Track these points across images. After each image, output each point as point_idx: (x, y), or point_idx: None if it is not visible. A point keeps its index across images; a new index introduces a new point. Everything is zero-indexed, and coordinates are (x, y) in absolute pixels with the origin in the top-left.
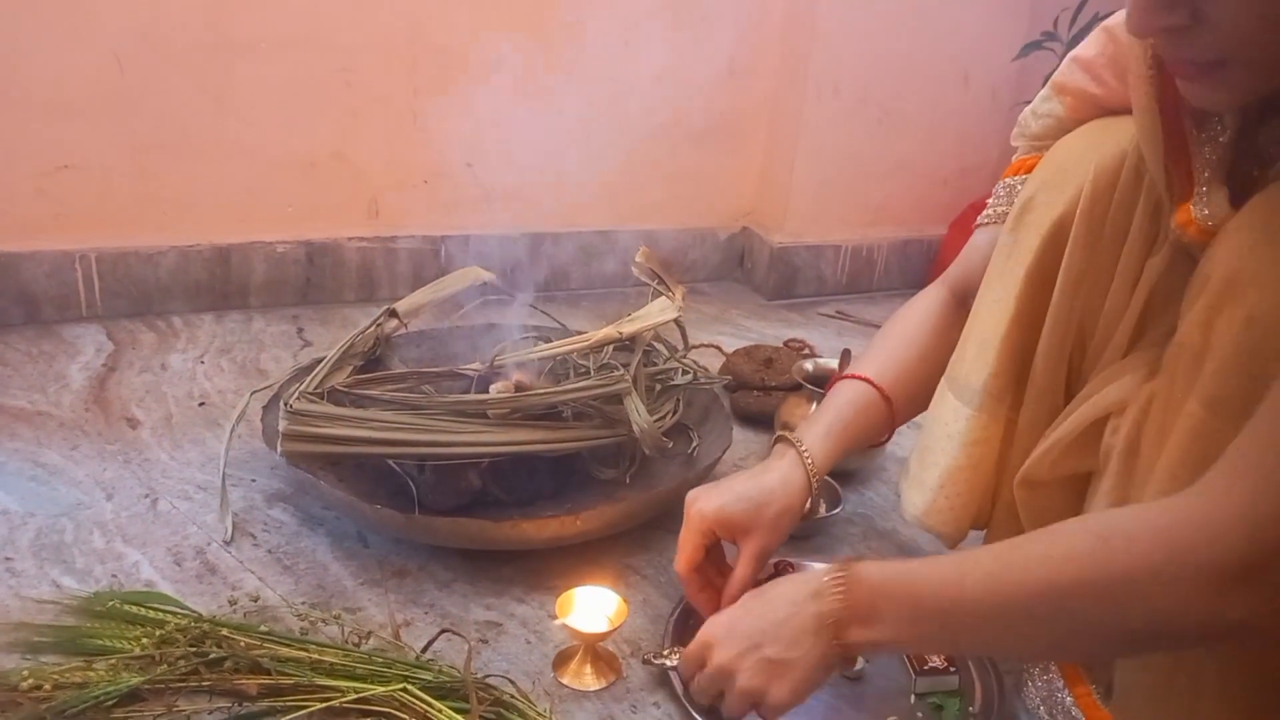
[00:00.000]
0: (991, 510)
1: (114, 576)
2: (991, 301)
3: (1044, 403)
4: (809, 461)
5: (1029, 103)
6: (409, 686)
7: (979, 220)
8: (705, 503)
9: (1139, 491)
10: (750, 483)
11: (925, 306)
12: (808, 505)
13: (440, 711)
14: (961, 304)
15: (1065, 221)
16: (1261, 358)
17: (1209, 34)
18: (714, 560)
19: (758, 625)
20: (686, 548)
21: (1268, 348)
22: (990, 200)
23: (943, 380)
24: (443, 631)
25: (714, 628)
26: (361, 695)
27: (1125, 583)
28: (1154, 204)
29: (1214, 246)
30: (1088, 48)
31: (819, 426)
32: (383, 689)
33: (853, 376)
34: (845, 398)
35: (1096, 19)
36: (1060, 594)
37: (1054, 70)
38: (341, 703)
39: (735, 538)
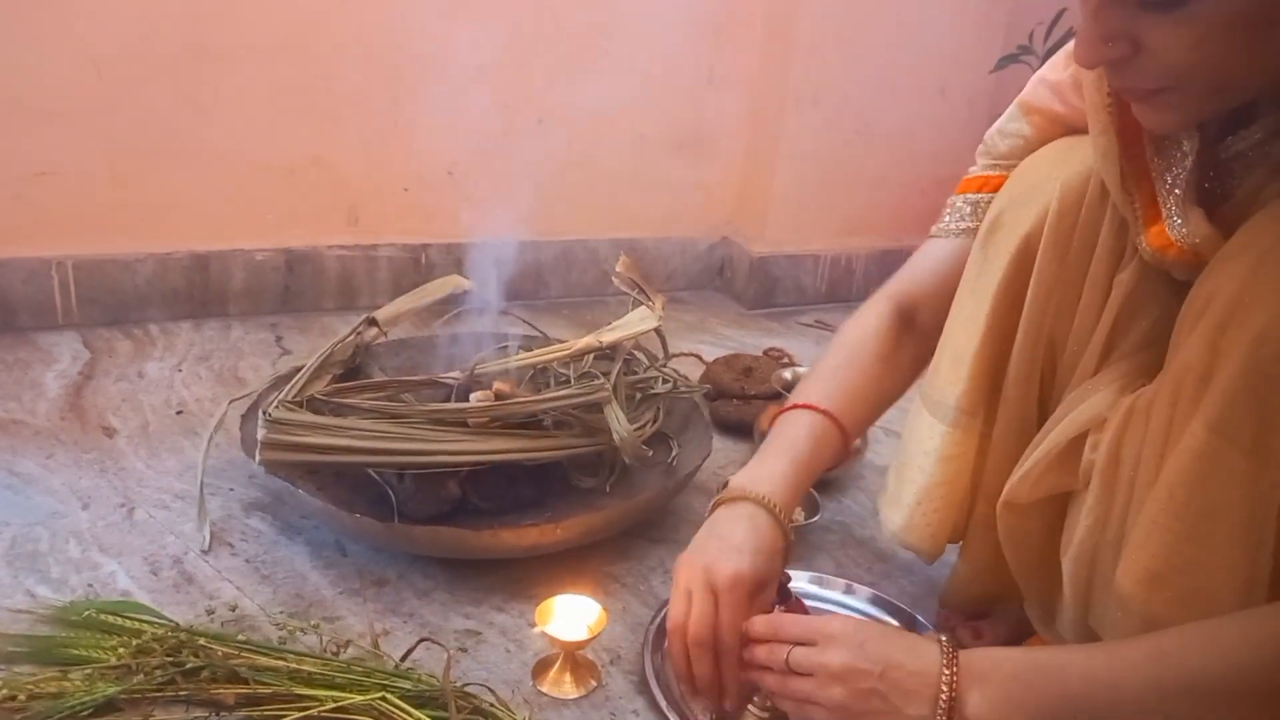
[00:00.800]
0: (967, 524)
1: (90, 586)
2: (964, 319)
3: (1016, 419)
4: (778, 512)
5: None
6: (387, 695)
7: (932, 232)
8: (725, 568)
9: (1123, 508)
10: (746, 537)
11: (870, 328)
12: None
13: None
14: (907, 321)
15: (1033, 238)
16: (1271, 381)
17: (1150, 63)
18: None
19: (888, 657)
20: (739, 616)
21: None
22: (944, 213)
23: (917, 397)
24: (421, 640)
25: (840, 625)
26: (340, 704)
27: None
28: (1119, 220)
29: (1213, 269)
30: (1054, 70)
31: (779, 467)
32: (361, 698)
33: (804, 406)
34: (800, 431)
35: (1071, 33)
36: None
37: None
38: (320, 712)
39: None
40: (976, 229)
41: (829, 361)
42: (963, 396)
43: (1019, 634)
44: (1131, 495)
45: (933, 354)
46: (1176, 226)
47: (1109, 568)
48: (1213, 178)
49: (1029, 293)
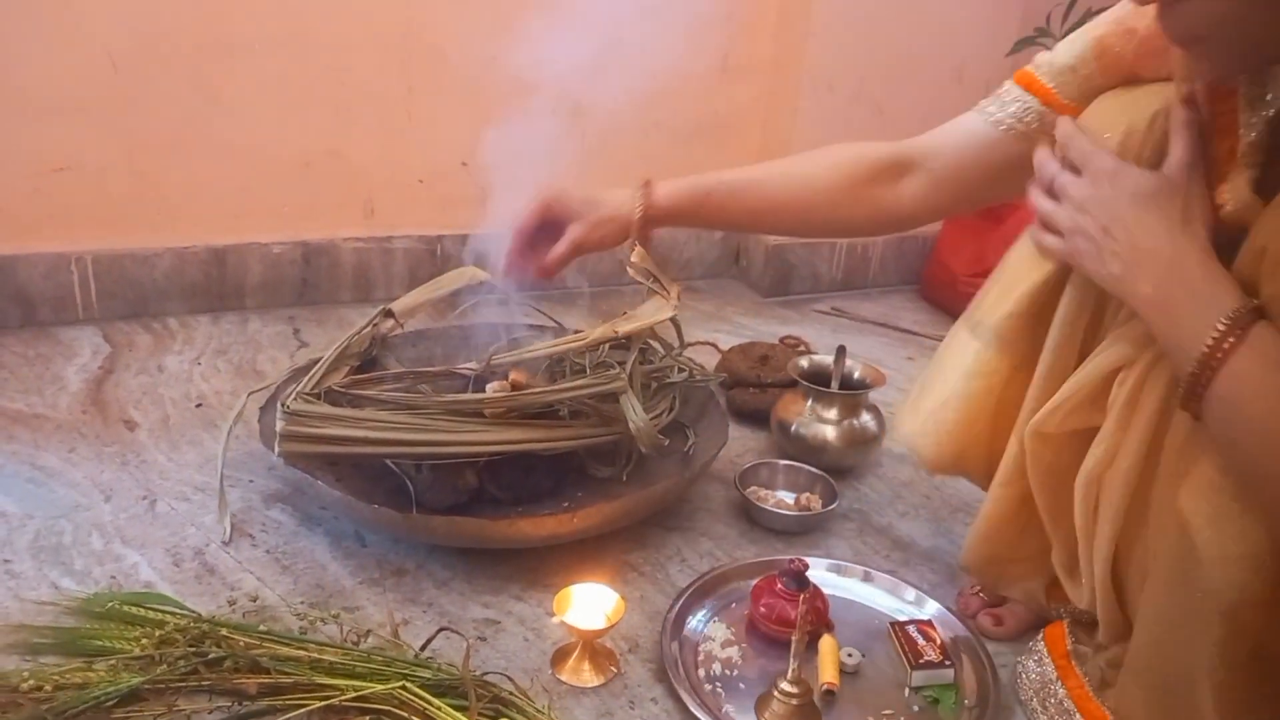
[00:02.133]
0: (985, 455)
1: (113, 578)
2: (1025, 251)
3: (1059, 360)
4: (647, 195)
5: None
6: (408, 684)
7: (976, 106)
8: (550, 185)
9: (1138, 444)
10: (600, 190)
11: (854, 149)
12: (633, 236)
13: (439, 709)
14: (901, 167)
15: None
16: None
17: (1191, 10)
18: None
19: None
20: (525, 217)
21: None
22: (995, 94)
23: (959, 321)
24: (441, 630)
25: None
26: (360, 694)
27: None
28: None
29: (1264, 223)
30: (1141, 18)
31: (679, 181)
32: (382, 687)
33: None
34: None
35: (1089, 14)
36: None
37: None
38: (341, 701)
39: (563, 217)
40: (1012, 129)
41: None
42: (1004, 321)
43: (1038, 620)
44: (1152, 433)
45: (910, 216)
46: (1229, 189)
47: (1117, 498)
48: None
49: None
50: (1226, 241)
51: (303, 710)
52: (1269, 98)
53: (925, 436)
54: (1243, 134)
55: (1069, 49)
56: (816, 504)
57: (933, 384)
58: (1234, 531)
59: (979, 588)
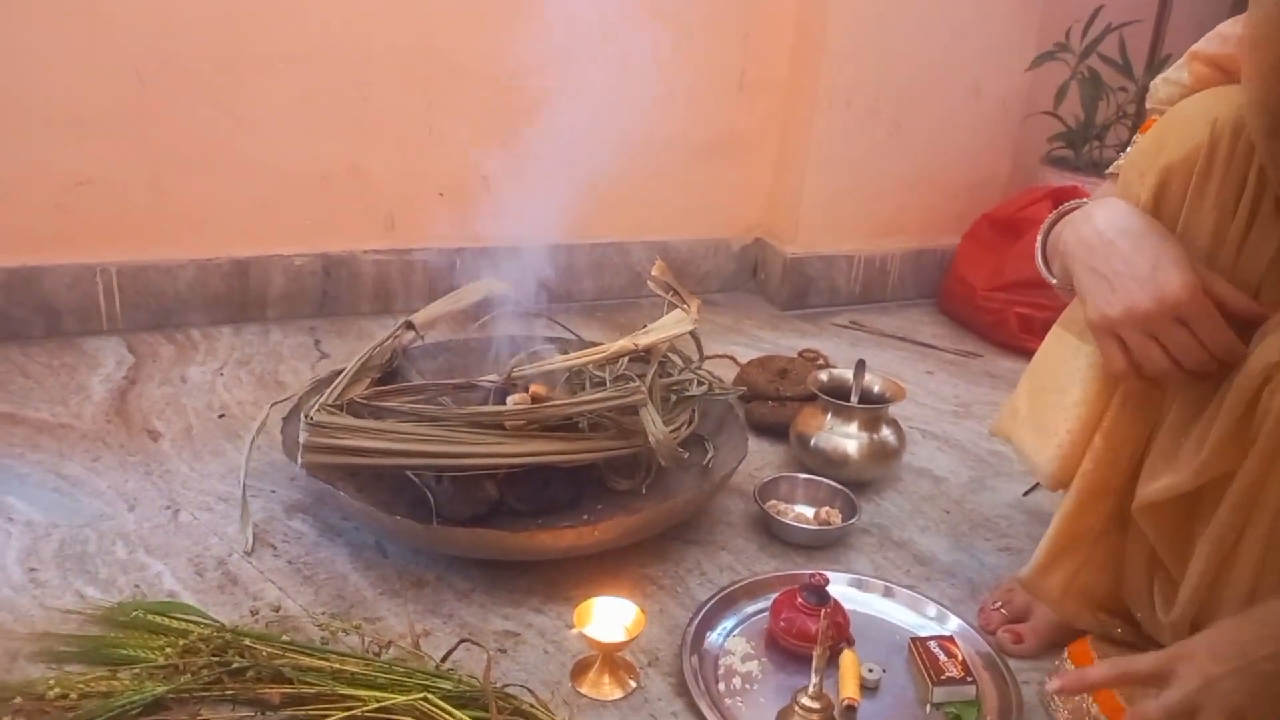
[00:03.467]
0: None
1: (137, 587)
2: None
3: None
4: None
5: (1042, 113)
6: (429, 696)
7: (1108, 170)
8: (1185, 277)
9: None
10: (1168, 247)
11: None
12: None
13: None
14: None
15: (1175, 169)
16: None
17: None
18: None
19: (1252, 637)
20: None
21: None
22: (1123, 153)
23: (1056, 326)
24: (462, 641)
25: (1188, 645)
26: (382, 705)
27: None
28: (1260, 163)
29: None
30: (1232, 24)
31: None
32: (403, 698)
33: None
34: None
35: (1109, 29)
36: None
37: (1068, 80)
38: (363, 712)
39: None
40: None
41: None
42: None
43: (1059, 637)
44: None
45: None
46: None
47: (1249, 568)
48: None
49: (1179, 223)
50: None
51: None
52: None
53: (1046, 454)
54: None
55: (1169, 71)
56: (836, 518)
57: (1055, 397)
58: None
59: (1000, 604)
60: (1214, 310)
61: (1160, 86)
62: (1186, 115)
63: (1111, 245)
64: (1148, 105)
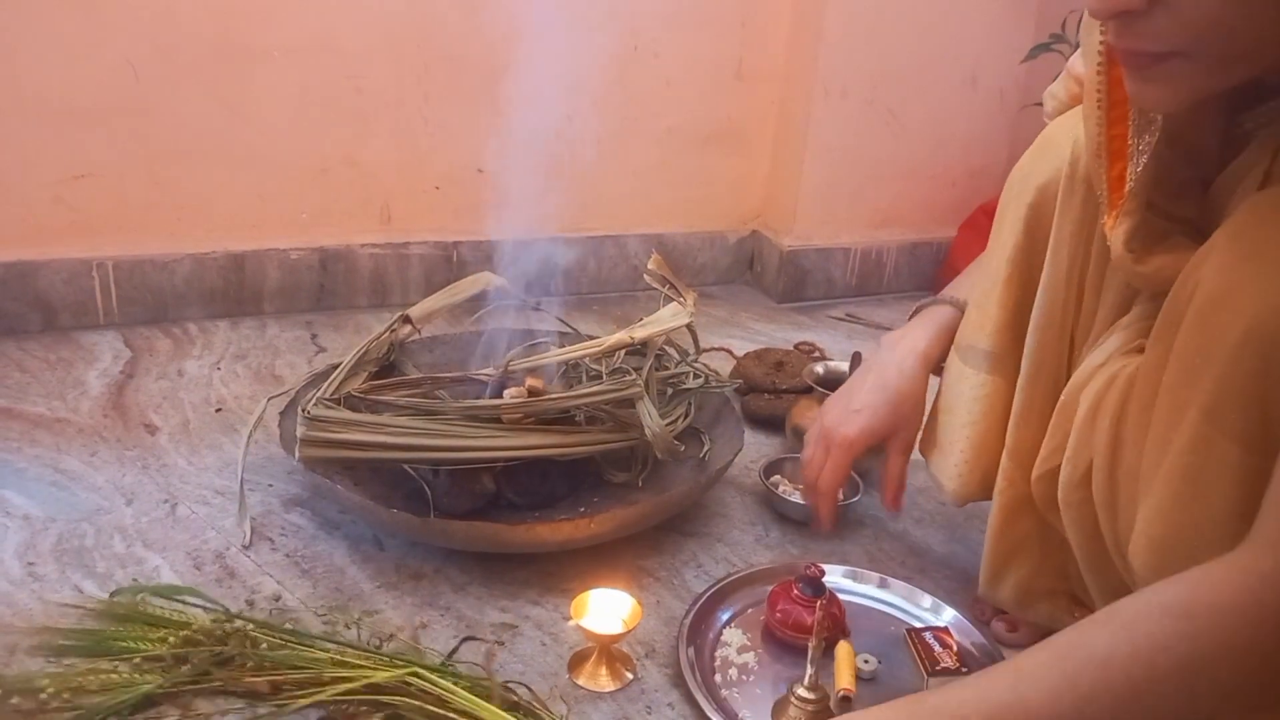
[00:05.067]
0: (994, 478)
1: (135, 580)
2: (988, 267)
3: (1042, 373)
4: (924, 344)
5: (1038, 104)
6: (418, 670)
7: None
8: (848, 429)
9: (1105, 469)
10: (876, 393)
11: None
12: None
13: (453, 692)
14: None
15: (1048, 189)
16: (1258, 374)
17: (1165, 21)
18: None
19: None
20: (838, 474)
21: (1268, 368)
22: None
23: (952, 352)
24: (465, 639)
25: None
26: (372, 681)
27: (1218, 659)
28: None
29: (1200, 259)
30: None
31: (923, 325)
32: (390, 673)
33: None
34: (941, 315)
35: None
36: (1148, 687)
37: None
38: (354, 687)
39: (881, 443)
40: None
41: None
42: (987, 340)
43: (1054, 626)
44: (1117, 462)
45: None
46: (1111, 228)
47: (1106, 524)
48: (1198, 164)
49: (1049, 241)
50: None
51: (316, 698)
52: (1155, 118)
53: (946, 472)
54: (1131, 162)
55: (1053, 85)
56: (840, 496)
57: (946, 418)
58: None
59: None
60: (845, 463)
61: (1047, 101)
62: (1052, 136)
63: (866, 369)
64: (1044, 118)
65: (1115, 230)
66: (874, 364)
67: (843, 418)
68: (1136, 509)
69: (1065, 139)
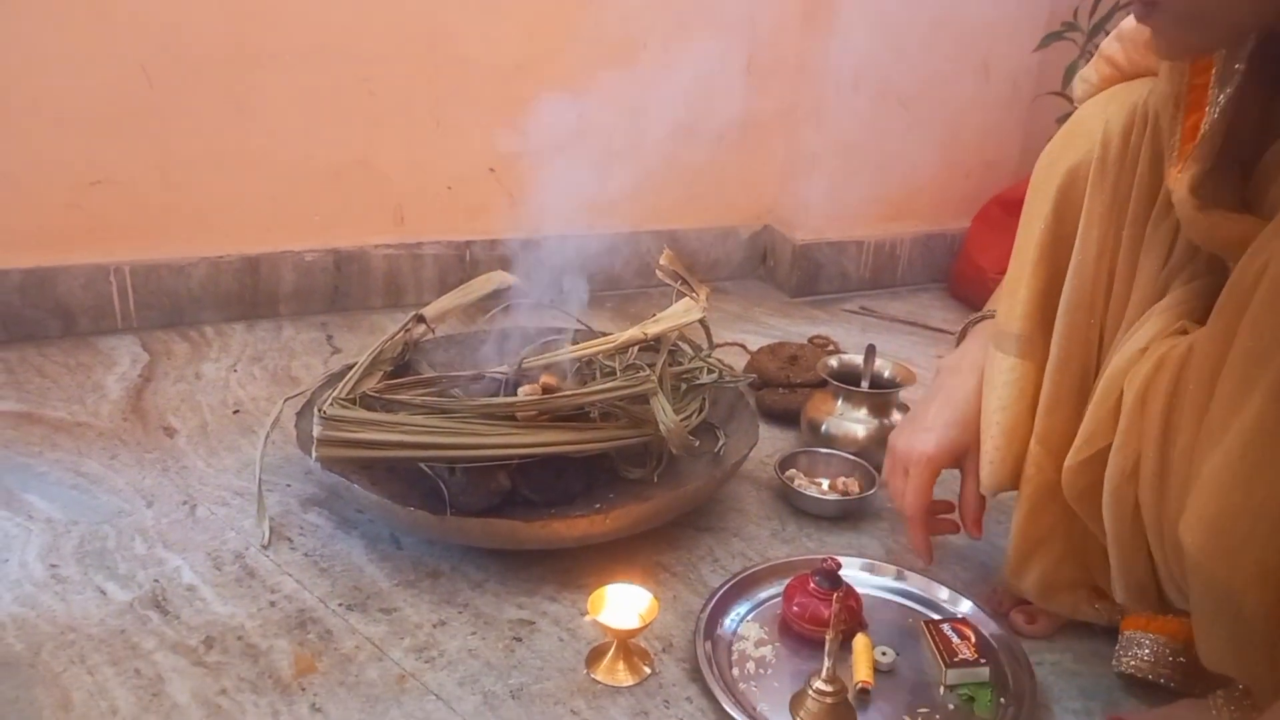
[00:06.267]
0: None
1: (156, 581)
2: (1018, 251)
3: (1072, 358)
4: (984, 360)
5: (1050, 94)
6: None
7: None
8: (924, 446)
9: (1156, 453)
10: (944, 412)
11: None
12: None
13: None
14: None
15: (1078, 171)
16: None
17: None
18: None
19: None
20: (921, 495)
21: None
22: None
23: (989, 342)
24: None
25: None
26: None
27: None
28: (1154, 151)
29: (1262, 244)
30: (1130, 23)
31: (977, 341)
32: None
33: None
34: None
35: (1117, 7)
36: None
37: (1077, 59)
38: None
39: (958, 463)
40: None
41: None
42: (1017, 324)
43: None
44: (1169, 444)
45: None
46: (1177, 177)
47: (1151, 509)
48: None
49: (1079, 224)
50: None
51: None
52: (1237, 67)
53: (983, 459)
54: (1209, 110)
55: (1084, 68)
56: (855, 488)
57: (983, 406)
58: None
59: None
60: (927, 480)
61: (1077, 85)
62: (1083, 118)
63: (930, 395)
64: (1074, 103)
65: (1181, 176)
66: (937, 388)
67: (914, 438)
68: (1188, 491)
69: (1096, 121)
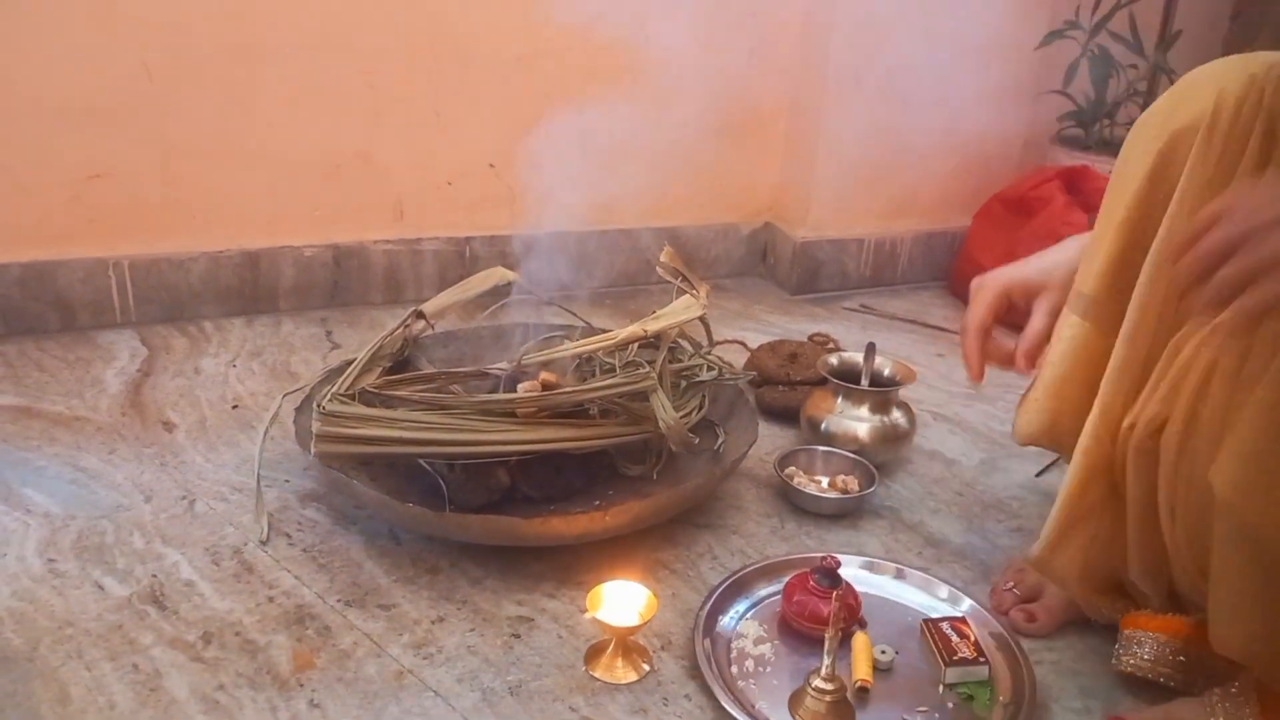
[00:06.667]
0: (1076, 426)
1: (154, 576)
2: (1106, 212)
3: (1145, 326)
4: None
5: (1052, 92)
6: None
7: None
8: (998, 274)
9: (1188, 404)
10: (1037, 259)
11: None
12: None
13: None
14: None
15: (1182, 136)
16: None
17: None
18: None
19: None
20: (984, 309)
21: None
22: None
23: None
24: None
25: (1223, 201)
26: None
27: None
28: (1268, 126)
29: None
30: None
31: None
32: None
33: None
34: None
35: (1119, 6)
36: None
37: (1078, 58)
38: None
39: (1029, 298)
40: None
41: None
42: (1090, 284)
43: (1072, 616)
44: (1199, 400)
45: None
46: None
47: (1169, 465)
48: None
49: (1176, 191)
50: None
51: None
52: None
53: (1020, 406)
54: None
55: None
56: (854, 486)
57: (1046, 359)
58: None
59: (1013, 584)
60: (989, 301)
61: None
62: (1196, 82)
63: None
64: None
65: None
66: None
67: (996, 271)
68: (1213, 444)
69: (1209, 88)
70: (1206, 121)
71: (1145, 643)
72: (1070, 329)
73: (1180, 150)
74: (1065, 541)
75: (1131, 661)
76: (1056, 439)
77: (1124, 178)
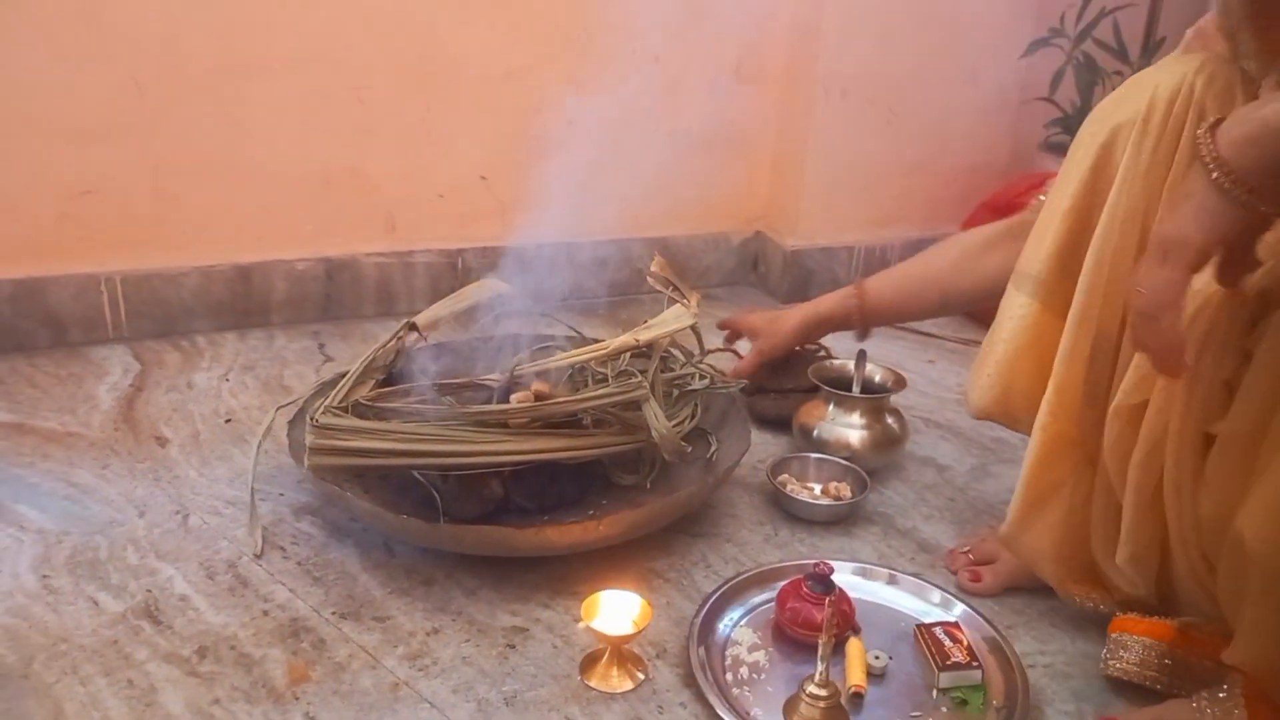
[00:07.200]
0: (1027, 402)
1: (149, 591)
2: (1052, 199)
3: (1091, 307)
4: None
5: (1038, 99)
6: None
7: None
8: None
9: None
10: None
11: (976, 230)
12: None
13: None
14: (1018, 233)
15: (1123, 129)
16: None
17: None
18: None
19: None
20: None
21: None
22: None
23: (1009, 281)
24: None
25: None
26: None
27: None
28: (1199, 119)
29: None
30: (1205, 18)
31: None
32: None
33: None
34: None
35: (1103, 14)
36: None
37: (1064, 65)
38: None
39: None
40: None
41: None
42: (1039, 266)
43: (1017, 579)
44: (1189, 414)
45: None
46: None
47: (1178, 492)
48: None
49: (1116, 179)
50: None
51: None
52: None
53: (973, 382)
54: None
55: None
56: (846, 492)
57: (991, 332)
58: None
59: (969, 548)
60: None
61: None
62: (1138, 80)
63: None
64: None
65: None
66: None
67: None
68: (1225, 477)
69: (1149, 83)
70: (1142, 115)
71: (1132, 646)
72: (1019, 308)
73: (1119, 142)
74: (1032, 518)
75: (1118, 665)
76: (1010, 413)
77: (1069, 168)
